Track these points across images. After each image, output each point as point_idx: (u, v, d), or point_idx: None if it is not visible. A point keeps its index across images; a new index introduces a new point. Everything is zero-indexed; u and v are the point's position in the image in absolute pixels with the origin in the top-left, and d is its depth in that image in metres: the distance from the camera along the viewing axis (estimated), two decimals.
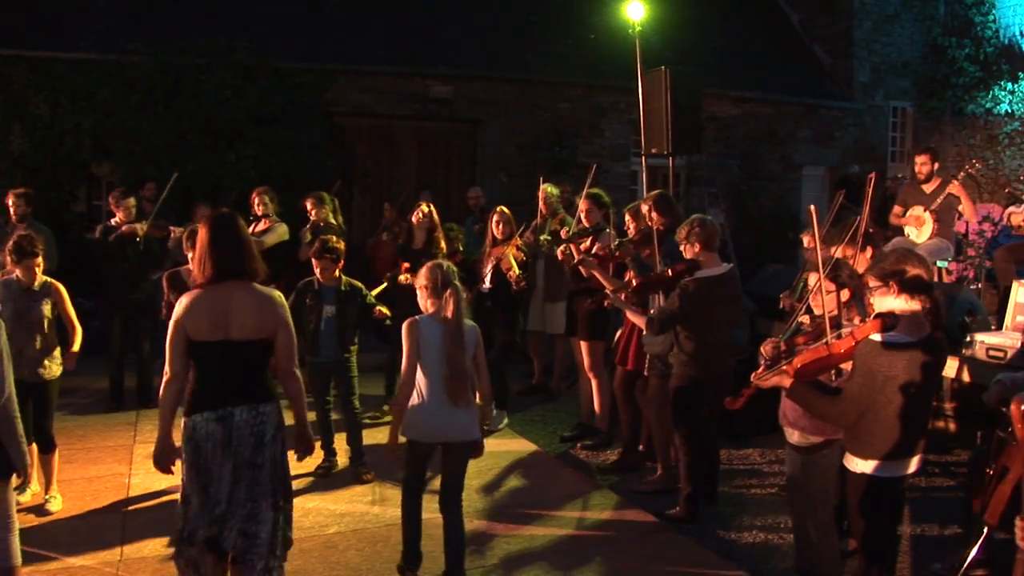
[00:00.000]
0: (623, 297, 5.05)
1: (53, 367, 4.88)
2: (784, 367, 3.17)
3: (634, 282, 4.91)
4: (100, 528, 4.57)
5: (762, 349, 3.60)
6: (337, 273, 5.42)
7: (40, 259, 4.79)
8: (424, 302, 3.90)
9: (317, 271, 5.39)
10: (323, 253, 5.35)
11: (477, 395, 4.05)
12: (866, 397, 3.03)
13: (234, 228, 3.40)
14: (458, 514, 3.95)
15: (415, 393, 3.84)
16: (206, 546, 3.19)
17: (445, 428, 3.87)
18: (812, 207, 3.55)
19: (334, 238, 5.57)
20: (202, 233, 3.38)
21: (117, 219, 7.02)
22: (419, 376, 3.82)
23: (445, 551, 3.91)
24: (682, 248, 4.75)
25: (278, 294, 3.44)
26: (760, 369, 3.34)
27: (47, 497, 4.84)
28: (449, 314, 3.81)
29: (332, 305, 5.37)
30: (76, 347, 5.01)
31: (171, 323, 3.30)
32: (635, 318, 5.07)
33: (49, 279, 4.91)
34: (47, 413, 4.89)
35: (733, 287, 4.81)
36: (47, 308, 4.84)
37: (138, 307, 7.03)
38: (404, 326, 3.84)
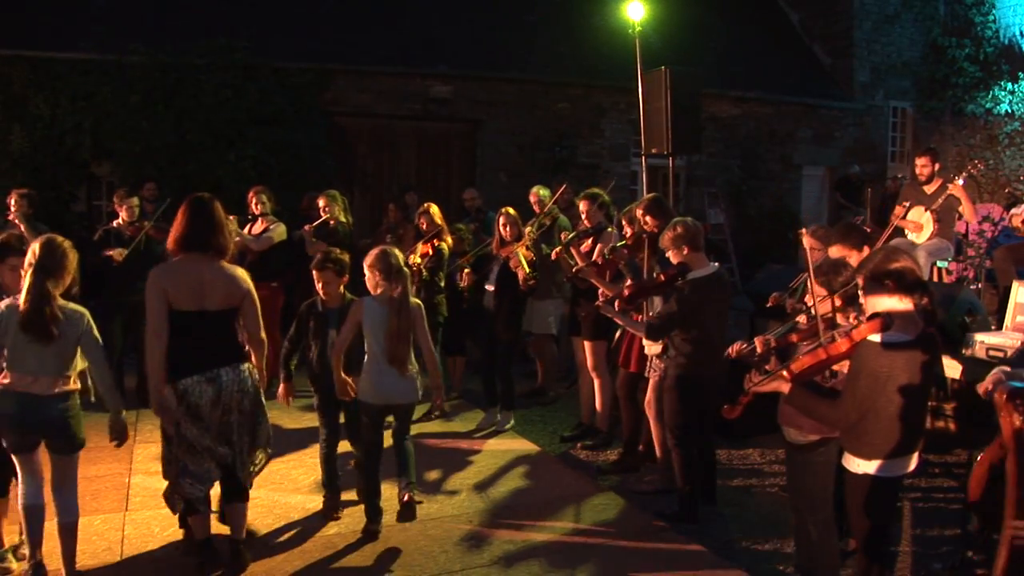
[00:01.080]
0: (616, 306, 5.01)
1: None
2: (782, 372, 3.16)
3: (626, 291, 4.90)
4: (100, 528, 4.57)
5: (756, 343, 3.60)
6: (341, 289, 4.84)
7: (25, 258, 4.57)
8: (374, 283, 4.45)
9: (319, 285, 4.80)
10: (325, 264, 4.78)
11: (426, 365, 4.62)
12: (869, 398, 3.03)
13: (208, 207, 3.91)
14: (405, 443, 4.62)
15: (368, 363, 4.44)
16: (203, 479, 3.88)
17: (392, 392, 4.47)
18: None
19: (337, 250, 5.02)
20: (180, 212, 3.90)
21: (120, 219, 7.01)
22: (369, 349, 4.42)
23: (397, 461, 4.58)
24: (669, 254, 4.73)
25: (243, 271, 3.99)
26: (754, 374, 3.34)
27: None
28: (396, 295, 4.38)
29: (335, 328, 4.72)
30: None
31: (148, 292, 3.74)
32: (628, 327, 5.06)
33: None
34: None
35: (723, 286, 4.83)
36: None
37: (138, 307, 6.97)
38: (353, 305, 4.48)
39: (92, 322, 3.87)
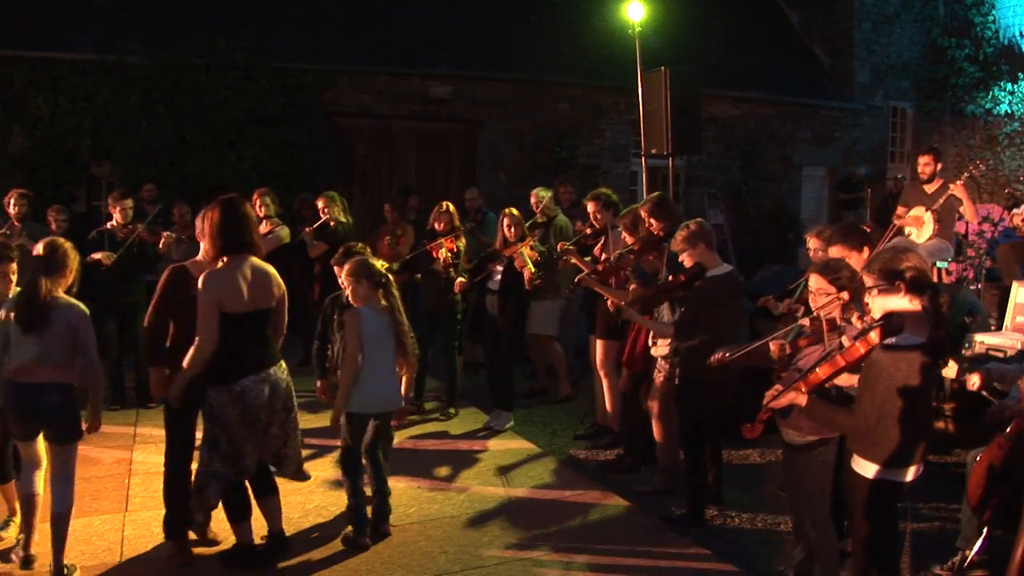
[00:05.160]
0: (640, 312, 5.01)
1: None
2: (798, 384, 3.12)
3: (647, 294, 4.89)
4: (100, 528, 4.57)
5: (771, 348, 3.54)
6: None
7: (14, 265, 4.37)
8: (363, 293, 4.36)
9: (341, 280, 4.94)
10: (346, 258, 4.93)
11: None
12: (886, 402, 2.98)
13: (241, 207, 3.96)
14: (382, 468, 4.55)
15: (362, 374, 4.31)
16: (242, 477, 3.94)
17: (385, 400, 4.45)
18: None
19: (360, 244, 5.26)
20: (214, 214, 3.88)
21: (115, 221, 6.98)
22: (364, 359, 4.31)
23: (375, 496, 4.51)
24: (683, 256, 4.70)
25: (273, 268, 4.03)
26: (771, 391, 3.28)
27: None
28: (386, 302, 4.37)
29: None
30: None
31: (202, 298, 3.73)
32: (656, 329, 5.04)
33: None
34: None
35: (739, 285, 4.83)
36: None
37: (132, 309, 6.96)
38: (348, 317, 4.37)
39: (87, 316, 3.93)
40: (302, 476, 5.10)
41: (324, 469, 5.51)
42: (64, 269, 3.92)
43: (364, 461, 4.47)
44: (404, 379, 4.57)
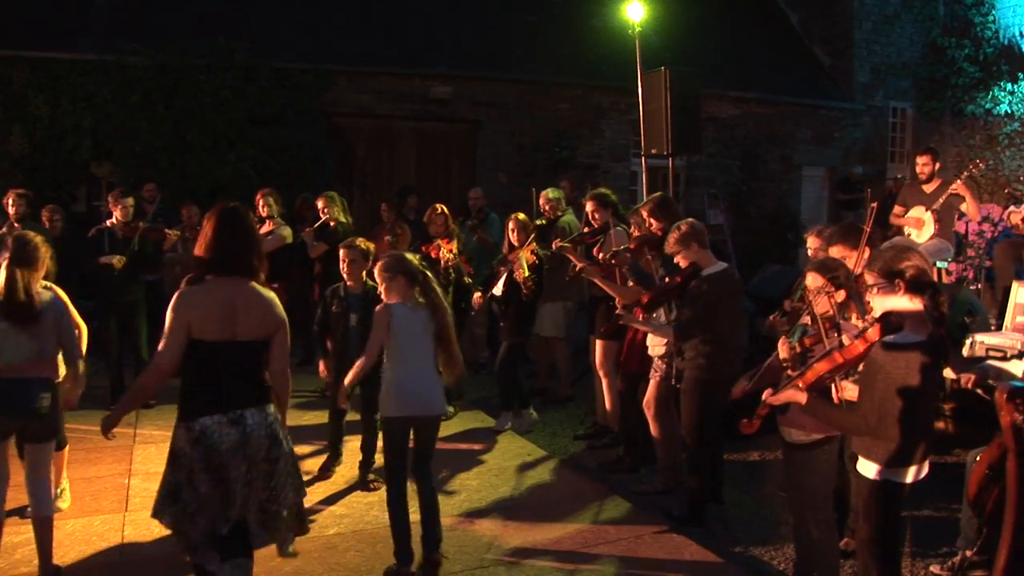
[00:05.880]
0: (636, 314, 5.01)
1: (59, 369, 4.85)
2: (797, 381, 3.13)
3: (644, 299, 4.89)
4: (100, 528, 4.57)
5: (780, 350, 3.53)
6: (364, 275, 5.29)
7: None
8: (395, 288, 4.08)
9: (343, 264, 5.28)
10: (353, 242, 5.36)
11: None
12: (886, 401, 2.98)
13: (243, 221, 3.37)
14: (430, 480, 4.23)
15: (394, 373, 4.05)
16: (212, 539, 3.23)
17: (423, 402, 4.08)
18: None
19: (362, 239, 5.49)
20: (209, 224, 3.32)
21: (114, 219, 6.97)
22: (396, 357, 4.06)
23: (422, 513, 4.13)
24: (677, 257, 4.71)
25: (275, 296, 3.41)
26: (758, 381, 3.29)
27: (57, 491, 4.82)
28: (424, 299, 4.08)
29: (357, 313, 5.26)
30: (83, 346, 4.96)
31: (170, 315, 3.19)
32: (655, 331, 5.05)
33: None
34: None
35: (736, 282, 4.83)
36: None
37: (132, 308, 6.97)
38: (377, 312, 4.07)
39: (67, 300, 4.04)
40: (299, 532, 3.89)
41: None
42: (36, 261, 3.95)
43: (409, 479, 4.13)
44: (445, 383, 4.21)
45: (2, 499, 3.88)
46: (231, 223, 3.31)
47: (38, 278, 3.98)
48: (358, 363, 4.19)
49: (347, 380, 4.27)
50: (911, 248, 3.21)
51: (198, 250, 3.33)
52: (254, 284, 3.33)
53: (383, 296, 4.15)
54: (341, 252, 5.33)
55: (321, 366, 5.54)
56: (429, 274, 4.17)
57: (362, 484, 5.27)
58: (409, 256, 4.23)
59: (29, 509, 4.03)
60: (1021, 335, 5.13)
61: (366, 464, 5.34)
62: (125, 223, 6.93)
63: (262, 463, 3.26)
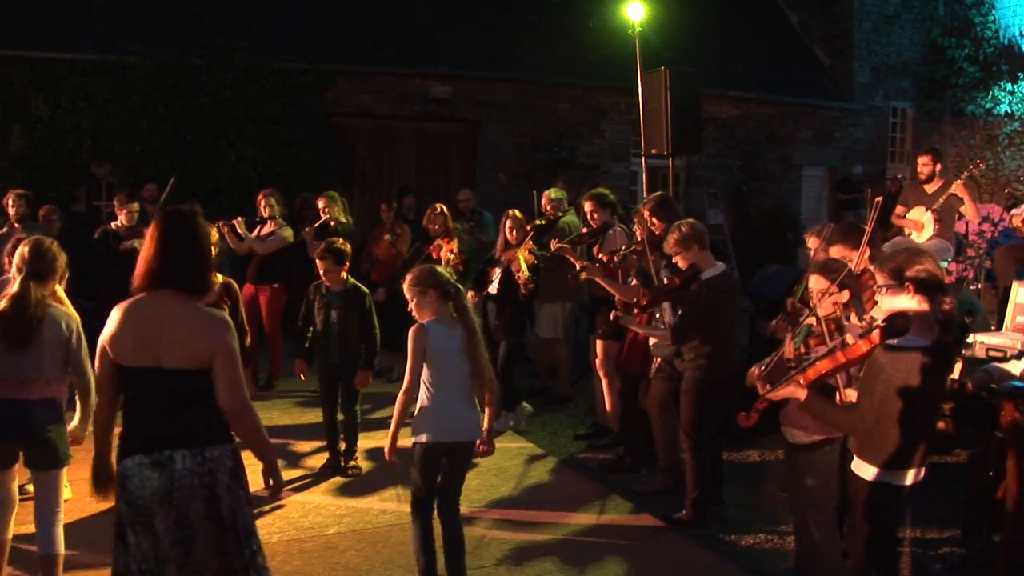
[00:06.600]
0: (635, 316, 5.01)
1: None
2: (797, 378, 3.13)
3: (643, 300, 4.89)
4: (100, 528, 4.56)
5: (785, 352, 3.53)
6: (343, 275, 5.46)
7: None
8: (427, 304, 3.76)
9: (321, 272, 5.46)
10: (325, 254, 5.43)
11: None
12: (885, 403, 2.97)
13: (187, 229, 2.88)
14: (458, 516, 3.91)
15: (431, 397, 3.75)
16: None
17: (460, 428, 3.79)
18: None
19: (340, 240, 5.61)
20: (150, 231, 2.90)
21: (119, 222, 7.02)
22: (434, 380, 3.73)
23: (446, 552, 3.82)
24: (676, 258, 4.71)
25: (224, 316, 2.95)
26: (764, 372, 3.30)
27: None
28: (457, 315, 3.78)
29: (337, 310, 5.47)
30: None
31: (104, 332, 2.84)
32: (652, 333, 5.05)
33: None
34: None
35: (735, 284, 4.83)
36: None
37: None
38: (413, 333, 3.72)
39: (80, 329, 3.63)
40: None
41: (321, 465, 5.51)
42: (53, 272, 3.61)
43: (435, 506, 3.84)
44: (487, 411, 3.87)
45: (5, 525, 3.61)
46: (170, 230, 2.86)
47: (52, 288, 3.65)
48: (398, 406, 3.76)
49: (387, 449, 3.80)
50: (924, 251, 3.20)
51: (138, 260, 2.92)
52: (198, 305, 2.85)
53: (414, 313, 3.80)
54: (317, 262, 5.48)
55: (296, 365, 5.61)
56: (461, 287, 3.89)
57: (340, 469, 5.43)
58: (439, 268, 3.96)
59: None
60: (1021, 335, 5.13)
61: (348, 452, 5.49)
62: (129, 227, 7.00)
63: (203, 521, 2.71)
